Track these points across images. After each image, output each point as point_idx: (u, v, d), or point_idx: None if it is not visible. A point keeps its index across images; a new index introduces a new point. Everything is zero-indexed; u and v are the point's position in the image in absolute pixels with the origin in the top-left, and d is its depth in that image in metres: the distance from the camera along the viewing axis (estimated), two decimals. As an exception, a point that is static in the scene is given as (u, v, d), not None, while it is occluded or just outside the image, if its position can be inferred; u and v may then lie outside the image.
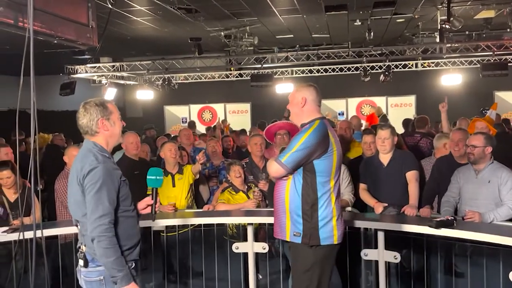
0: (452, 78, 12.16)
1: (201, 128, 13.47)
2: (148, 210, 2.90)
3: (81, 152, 2.69)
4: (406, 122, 8.93)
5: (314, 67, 13.55)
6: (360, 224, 3.95)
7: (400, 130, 8.81)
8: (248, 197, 4.73)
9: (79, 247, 2.69)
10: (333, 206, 3.08)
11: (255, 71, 11.96)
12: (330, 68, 13.46)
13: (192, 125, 11.88)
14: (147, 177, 2.92)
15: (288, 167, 3.00)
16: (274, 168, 3.06)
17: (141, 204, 2.91)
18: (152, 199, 2.87)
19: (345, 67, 13.27)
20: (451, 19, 8.66)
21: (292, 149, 3.00)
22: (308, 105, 3.16)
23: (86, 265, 2.63)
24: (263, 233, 4.62)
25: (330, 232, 3.04)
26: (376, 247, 3.89)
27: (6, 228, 3.99)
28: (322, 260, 3.08)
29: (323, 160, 3.02)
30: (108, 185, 2.53)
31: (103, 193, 2.51)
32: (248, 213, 4.37)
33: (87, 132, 2.68)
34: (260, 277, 4.62)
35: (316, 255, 3.05)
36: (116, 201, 2.57)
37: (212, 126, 11.75)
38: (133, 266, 2.65)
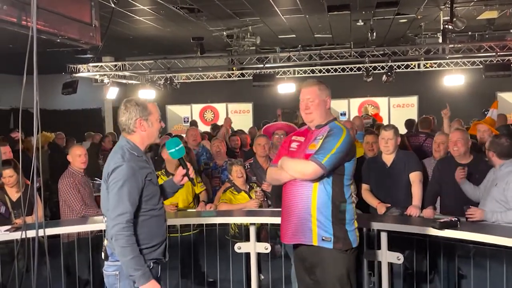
0: (454, 79, 12.13)
1: (202, 128, 13.45)
2: (185, 180, 2.95)
3: (114, 149, 2.75)
4: (409, 123, 8.91)
5: (316, 67, 13.53)
6: (363, 224, 3.93)
7: (402, 130, 8.81)
8: (250, 197, 4.73)
9: (104, 241, 2.75)
10: (354, 207, 3.04)
11: (257, 71, 11.96)
12: (332, 68, 13.44)
13: (194, 124, 11.88)
14: (168, 152, 2.94)
15: (327, 168, 2.84)
16: (312, 169, 2.82)
17: (177, 177, 2.96)
18: (184, 168, 2.90)
19: (347, 67, 13.25)
20: (454, 19, 8.65)
21: (332, 150, 2.84)
22: (329, 106, 3.09)
23: (106, 258, 2.69)
24: (265, 233, 4.61)
25: (355, 233, 2.99)
26: (379, 248, 3.87)
27: (8, 226, 3.99)
28: (354, 264, 3.01)
29: (351, 162, 3.00)
30: (130, 184, 2.56)
31: (125, 192, 2.54)
32: (251, 213, 4.37)
33: (124, 130, 2.72)
34: (262, 277, 4.61)
35: (350, 259, 2.97)
36: (137, 201, 2.59)
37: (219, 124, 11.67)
38: (151, 267, 2.65)
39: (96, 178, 4.84)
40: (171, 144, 2.92)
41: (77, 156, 4.65)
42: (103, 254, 2.72)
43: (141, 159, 2.70)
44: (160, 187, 2.93)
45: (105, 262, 2.71)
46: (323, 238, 2.91)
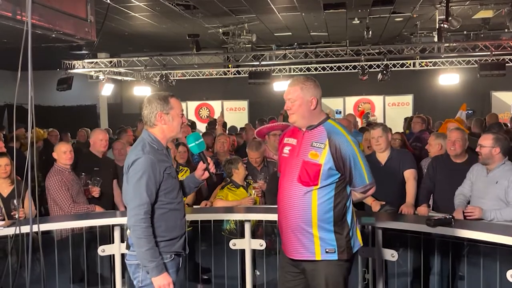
0: (449, 78, 12.18)
1: (199, 126, 13.44)
2: (207, 175, 2.96)
3: (136, 142, 2.82)
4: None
5: (312, 65, 13.54)
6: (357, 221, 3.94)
7: (397, 128, 8.84)
8: (248, 193, 4.75)
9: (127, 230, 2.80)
10: (353, 208, 2.86)
11: (253, 68, 11.96)
12: (328, 67, 13.45)
13: (193, 127, 11.85)
14: (189, 146, 2.95)
15: (374, 180, 2.80)
16: (371, 192, 2.84)
17: (198, 172, 2.98)
18: (204, 162, 2.92)
19: (343, 66, 13.26)
20: (450, 18, 8.68)
21: (362, 165, 2.74)
22: (318, 106, 2.80)
23: (128, 247, 2.75)
24: (260, 230, 4.61)
25: (356, 236, 2.84)
26: (373, 245, 3.88)
27: (2, 222, 3.96)
28: (351, 268, 2.88)
29: None
30: (148, 176, 2.61)
31: (142, 184, 2.60)
32: (245, 210, 4.36)
33: (146, 123, 2.79)
34: (258, 273, 4.60)
35: (347, 266, 2.82)
36: (155, 193, 2.65)
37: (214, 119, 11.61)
38: (172, 258, 2.72)
39: (82, 173, 4.82)
40: (191, 140, 2.92)
41: (62, 153, 4.62)
42: (125, 243, 2.80)
43: (161, 153, 2.74)
44: (183, 182, 2.97)
45: (127, 252, 2.76)
46: (327, 250, 2.74)
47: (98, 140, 5.18)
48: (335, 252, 2.74)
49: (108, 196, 5.06)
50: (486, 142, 3.88)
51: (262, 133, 4.67)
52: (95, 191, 4.72)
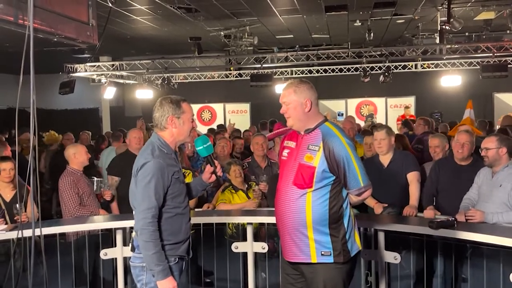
0: (451, 79, 12.15)
1: (201, 129, 13.45)
2: (214, 178, 2.98)
3: (145, 144, 2.84)
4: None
5: (314, 68, 13.53)
6: (360, 224, 3.93)
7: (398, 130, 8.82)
8: (248, 196, 4.73)
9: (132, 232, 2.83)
10: (351, 211, 2.83)
11: (255, 71, 11.95)
12: (329, 69, 13.44)
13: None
14: (197, 149, 2.97)
15: (369, 182, 2.76)
16: (366, 195, 2.78)
17: (205, 175, 3.00)
18: (212, 165, 2.94)
19: (345, 68, 13.25)
20: (451, 20, 8.68)
21: (356, 168, 2.71)
22: (313, 108, 2.79)
23: (133, 249, 2.77)
24: (262, 232, 4.60)
25: (354, 240, 2.81)
26: (376, 247, 3.88)
27: (4, 226, 3.97)
28: (351, 272, 2.84)
29: None
30: (157, 180, 2.63)
31: (151, 187, 2.61)
32: (248, 213, 4.37)
33: (157, 125, 2.80)
34: (264, 275, 4.59)
35: (347, 269, 2.78)
36: (162, 197, 2.66)
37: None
38: (176, 261, 2.74)
39: (93, 177, 4.83)
40: (199, 143, 2.94)
41: (72, 155, 4.64)
42: (130, 245, 2.81)
43: (170, 157, 2.76)
44: (190, 184, 2.99)
45: (132, 254, 2.78)
46: (322, 252, 2.73)
47: (132, 138, 5.34)
48: (330, 255, 2.73)
49: None
50: (491, 144, 3.85)
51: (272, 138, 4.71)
52: (107, 195, 4.74)
